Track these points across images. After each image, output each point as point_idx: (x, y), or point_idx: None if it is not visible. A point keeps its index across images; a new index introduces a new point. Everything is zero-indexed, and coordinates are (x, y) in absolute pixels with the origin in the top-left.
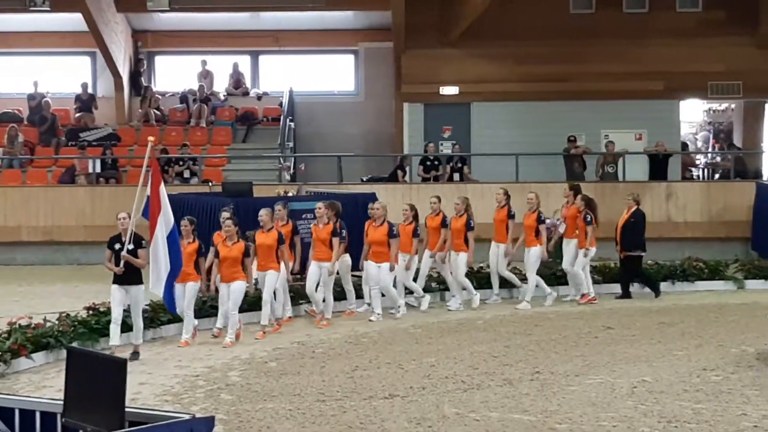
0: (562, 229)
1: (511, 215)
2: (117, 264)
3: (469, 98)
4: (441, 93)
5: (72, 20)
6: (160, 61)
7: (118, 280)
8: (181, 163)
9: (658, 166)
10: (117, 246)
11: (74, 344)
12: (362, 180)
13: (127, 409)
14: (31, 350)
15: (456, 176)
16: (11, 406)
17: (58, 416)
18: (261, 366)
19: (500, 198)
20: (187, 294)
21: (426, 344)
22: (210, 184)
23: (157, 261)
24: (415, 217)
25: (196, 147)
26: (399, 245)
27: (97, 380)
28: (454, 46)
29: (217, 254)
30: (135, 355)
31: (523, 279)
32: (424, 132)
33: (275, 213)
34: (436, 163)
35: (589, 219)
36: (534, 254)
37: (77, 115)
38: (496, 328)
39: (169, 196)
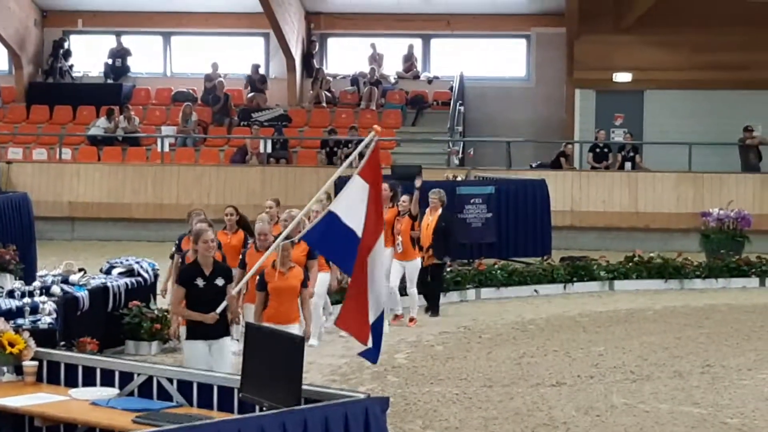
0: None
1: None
2: (203, 308)
3: (642, 85)
4: (614, 80)
5: (247, 1)
6: (332, 42)
7: (201, 332)
8: (350, 145)
9: None
10: (200, 282)
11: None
12: (531, 166)
13: (303, 387)
14: None
15: (627, 165)
16: (190, 379)
17: (236, 391)
18: (427, 349)
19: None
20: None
21: (594, 333)
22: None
23: (375, 295)
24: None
25: (366, 129)
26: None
27: (274, 357)
28: (629, 32)
29: None
30: None
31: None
32: (595, 119)
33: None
34: (605, 150)
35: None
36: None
37: (249, 95)
38: (666, 320)
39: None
